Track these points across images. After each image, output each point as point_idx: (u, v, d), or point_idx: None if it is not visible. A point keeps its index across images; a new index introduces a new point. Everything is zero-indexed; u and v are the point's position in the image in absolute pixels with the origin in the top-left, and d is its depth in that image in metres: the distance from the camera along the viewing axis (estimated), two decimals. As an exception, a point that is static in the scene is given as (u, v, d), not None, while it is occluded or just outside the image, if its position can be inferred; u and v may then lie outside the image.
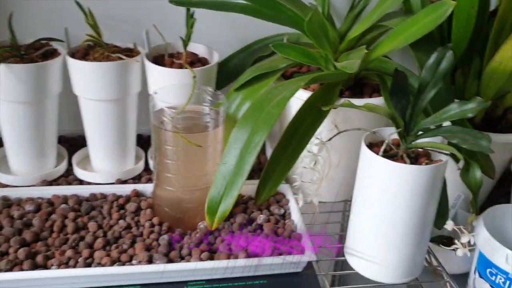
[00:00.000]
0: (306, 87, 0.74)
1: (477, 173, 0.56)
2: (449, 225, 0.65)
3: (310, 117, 0.67)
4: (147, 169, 0.87)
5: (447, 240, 0.83)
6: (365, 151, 0.64)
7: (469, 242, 0.63)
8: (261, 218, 0.73)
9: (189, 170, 0.68)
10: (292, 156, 0.65)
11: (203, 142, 0.67)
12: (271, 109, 0.61)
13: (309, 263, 0.69)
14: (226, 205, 0.61)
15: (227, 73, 0.85)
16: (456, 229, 0.64)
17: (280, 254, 0.67)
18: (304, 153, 0.75)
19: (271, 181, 0.64)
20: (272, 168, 0.64)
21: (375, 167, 0.62)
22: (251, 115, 0.62)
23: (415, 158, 0.65)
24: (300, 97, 0.70)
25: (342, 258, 0.72)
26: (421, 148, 0.63)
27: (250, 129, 0.62)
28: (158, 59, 0.80)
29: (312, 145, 0.70)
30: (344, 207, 0.86)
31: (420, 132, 0.63)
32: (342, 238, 0.74)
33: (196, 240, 0.68)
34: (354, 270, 0.69)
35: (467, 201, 0.88)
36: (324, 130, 0.70)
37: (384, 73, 0.73)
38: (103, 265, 0.62)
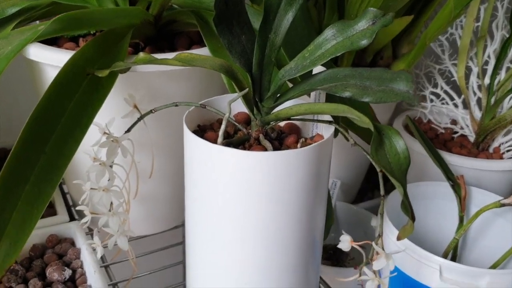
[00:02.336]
0: (73, 47, 0.42)
1: (400, 144, 0.30)
2: (345, 243, 0.38)
3: (80, 93, 0.35)
4: None
5: (334, 252, 0.58)
6: (191, 140, 0.34)
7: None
8: (24, 298, 0.39)
9: None
10: (49, 173, 0.32)
11: None
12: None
13: None
14: None
15: None
16: (358, 247, 0.38)
17: None
18: (86, 162, 0.43)
19: (5, 236, 0.30)
20: (4, 208, 0.30)
21: (212, 165, 0.33)
22: None
23: (278, 140, 0.37)
24: (55, 62, 0.38)
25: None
26: (286, 118, 0.35)
27: None
28: None
29: (97, 147, 0.38)
30: (177, 237, 0.55)
31: (278, 95, 0.35)
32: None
33: None
34: None
35: (344, 188, 0.64)
36: (115, 118, 0.39)
37: (203, 8, 0.44)
38: None
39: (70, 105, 0.35)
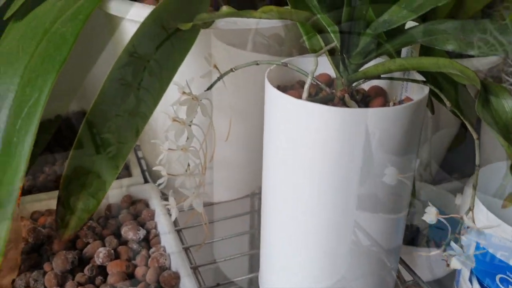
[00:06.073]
0: (154, 2, 0.41)
1: (509, 103, 0.27)
2: (431, 215, 0.35)
3: (159, 50, 0.34)
4: None
5: (409, 232, 0.55)
6: (273, 96, 0.32)
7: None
8: (101, 254, 0.39)
9: None
10: (128, 128, 0.32)
11: None
12: (60, 28, 0.28)
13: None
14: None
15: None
16: (444, 221, 0.35)
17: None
18: (163, 121, 0.43)
19: (85, 188, 0.30)
20: (83, 161, 0.30)
21: (296, 124, 0.31)
22: (17, 48, 0.27)
23: (364, 103, 0.35)
24: (135, 17, 0.37)
25: (258, 298, 0.41)
26: (376, 77, 0.33)
27: (19, 75, 0.27)
28: None
29: (176, 105, 0.38)
30: (252, 205, 0.54)
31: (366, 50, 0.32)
32: (254, 261, 0.42)
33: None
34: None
35: (421, 168, 0.61)
36: (193, 77, 0.38)
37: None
38: None
39: (150, 62, 0.34)
